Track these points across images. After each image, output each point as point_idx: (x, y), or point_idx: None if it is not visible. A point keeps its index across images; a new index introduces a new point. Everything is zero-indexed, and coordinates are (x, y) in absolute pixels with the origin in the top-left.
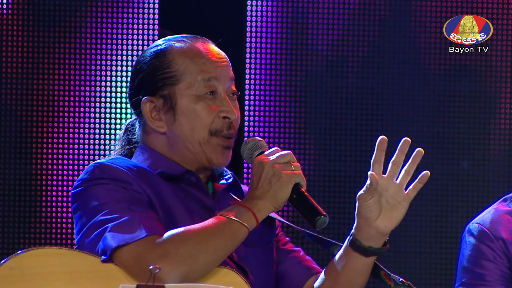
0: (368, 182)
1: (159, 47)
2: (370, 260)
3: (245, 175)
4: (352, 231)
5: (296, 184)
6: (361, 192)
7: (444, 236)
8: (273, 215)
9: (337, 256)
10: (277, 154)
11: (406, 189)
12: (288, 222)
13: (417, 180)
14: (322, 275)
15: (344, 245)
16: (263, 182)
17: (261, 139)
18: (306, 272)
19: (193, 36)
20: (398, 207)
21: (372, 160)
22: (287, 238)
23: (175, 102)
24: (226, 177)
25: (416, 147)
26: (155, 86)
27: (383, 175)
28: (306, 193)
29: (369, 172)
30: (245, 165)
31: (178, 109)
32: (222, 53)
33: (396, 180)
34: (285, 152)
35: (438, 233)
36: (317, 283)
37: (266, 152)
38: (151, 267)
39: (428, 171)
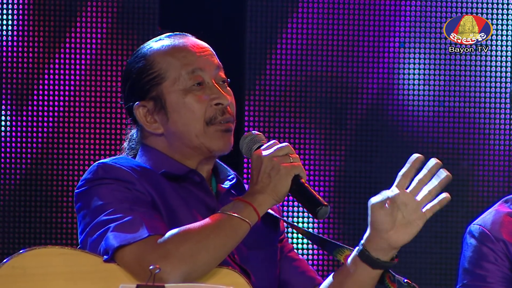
0: (385, 192)
1: (139, 52)
2: (377, 273)
3: (245, 170)
4: (362, 241)
5: (296, 176)
6: (374, 200)
7: (444, 236)
8: (279, 215)
9: (345, 264)
10: (275, 147)
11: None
12: (291, 223)
13: (437, 202)
14: (329, 278)
15: (352, 255)
16: (262, 176)
17: (259, 133)
18: (309, 283)
19: (173, 33)
20: (413, 224)
21: (400, 173)
22: (292, 245)
23: (165, 101)
24: (229, 177)
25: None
26: (143, 89)
27: (405, 190)
28: (306, 184)
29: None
30: (245, 160)
31: (169, 107)
32: (203, 44)
33: (416, 197)
34: (283, 144)
35: (439, 233)
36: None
37: (264, 146)
38: (151, 267)
39: (448, 195)
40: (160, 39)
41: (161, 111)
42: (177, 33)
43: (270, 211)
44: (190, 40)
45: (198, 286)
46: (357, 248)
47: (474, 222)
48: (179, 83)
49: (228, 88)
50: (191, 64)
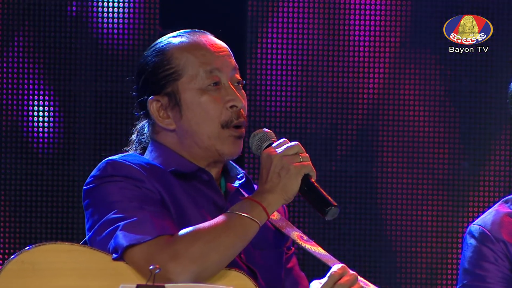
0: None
1: (158, 46)
2: None
3: (245, 165)
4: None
5: (306, 175)
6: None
7: (444, 236)
8: (290, 233)
9: None
10: (284, 146)
11: None
12: (300, 243)
13: None
14: None
15: None
16: (272, 175)
17: (269, 130)
18: None
19: (192, 30)
20: None
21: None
22: (296, 260)
23: (180, 98)
24: (238, 176)
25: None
26: (159, 84)
27: None
28: (316, 184)
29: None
30: (246, 155)
31: (183, 104)
32: (222, 44)
33: None
34: (293, 143)
35: (439, 233)
36: None
37: (274, 144)
38: (151, 267)
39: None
40: (178, 35)
41: (175, 107)
42: (196, 30)
43: (277, 225)
44: (209, 38)
45: (197, 286)
46: None
47: (474, 222)
48: (196, 82)
49: (242, 90)
50: (209, 64)
